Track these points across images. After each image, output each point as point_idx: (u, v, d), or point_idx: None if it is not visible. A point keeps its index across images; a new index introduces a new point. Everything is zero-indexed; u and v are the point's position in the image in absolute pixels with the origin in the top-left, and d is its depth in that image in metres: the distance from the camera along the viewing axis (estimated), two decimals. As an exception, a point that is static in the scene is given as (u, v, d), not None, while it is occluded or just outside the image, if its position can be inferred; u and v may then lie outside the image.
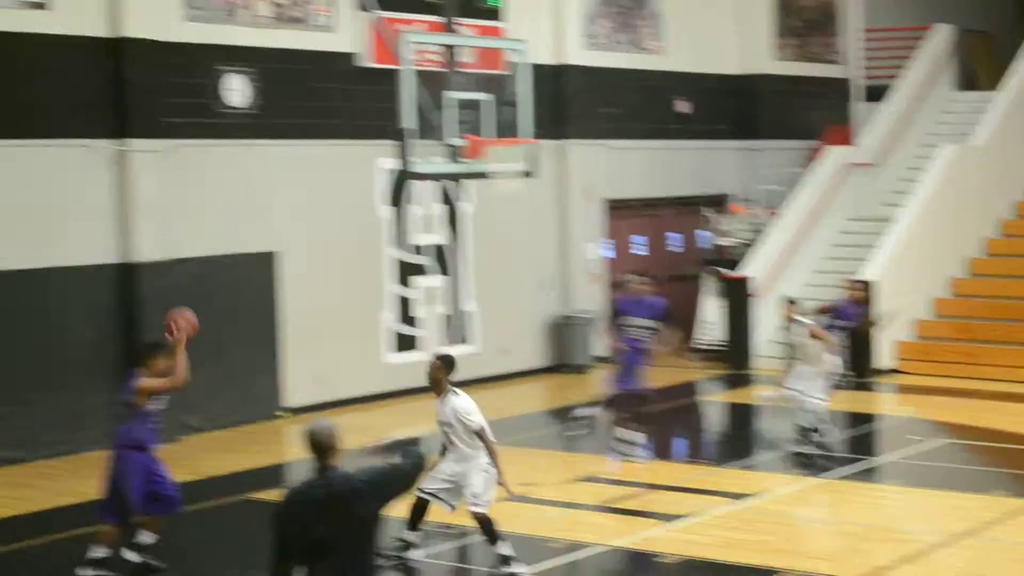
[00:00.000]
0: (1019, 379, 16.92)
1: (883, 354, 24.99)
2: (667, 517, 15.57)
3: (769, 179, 29.38)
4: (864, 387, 24.06)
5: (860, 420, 21.63)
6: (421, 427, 21.32)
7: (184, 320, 13.27)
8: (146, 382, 13.14)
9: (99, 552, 13.37)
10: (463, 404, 13.42)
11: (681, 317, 27.91)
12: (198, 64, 20.61)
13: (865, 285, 21.82)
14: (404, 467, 8.58)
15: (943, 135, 29.47)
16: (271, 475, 17.80)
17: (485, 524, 13.69)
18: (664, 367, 26.16)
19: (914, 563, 14.06)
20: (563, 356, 25.78)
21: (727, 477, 17.77)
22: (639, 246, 28.18)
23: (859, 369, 24.42)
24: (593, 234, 26.62)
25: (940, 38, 31.43)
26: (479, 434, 13.42)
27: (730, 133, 29.77)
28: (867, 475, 18.05)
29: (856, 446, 19.45)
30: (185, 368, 13.18)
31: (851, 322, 21.06)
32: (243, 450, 19.37)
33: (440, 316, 23.87)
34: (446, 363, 13.57)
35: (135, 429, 13.26)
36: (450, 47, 19.38)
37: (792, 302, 19.09)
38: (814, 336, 18.61)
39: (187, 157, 20.28)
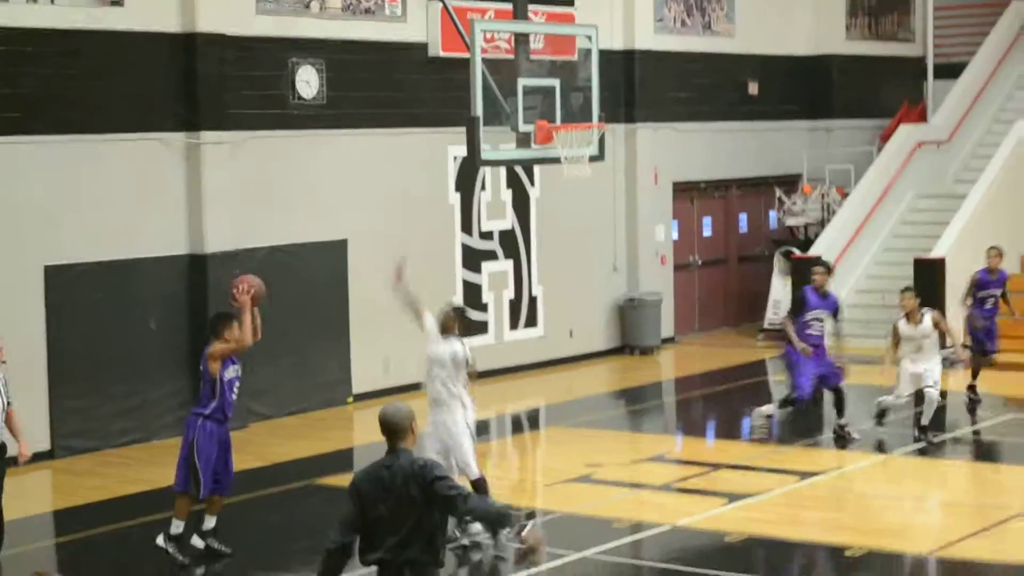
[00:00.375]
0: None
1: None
2: (733, 496, 15.63)
3: (840, 158, 29.30)
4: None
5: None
6: (489, 411, 21.56)
7: (247, 284, 13.62)
8: (215, 346, 13.48)
9: (177, 527, 13.64)
10: (461, 347, 14.19)
11: (750, 297, 28.07)
12: (269, 57, 20.82)
13: (999, 250, 21.07)
14: (460, 491, 8.69)
15: (1016, 111, 29.23)
16: (338, 461, 17.99)
17: (483, 487, 13.99)
18: (733, 347, 26.34)
19: (984, 537, 14.09)
20: (629, 338, 25.87)
21: (794, 455, 17.80)
22: (704, 227, 28.25)
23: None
24: (661, 216, 26.69)
25: (1013, 14, 31.21)
26: (467, 365, 14.20)
27: (801, 113, 29.70)
28: (935, 451, 18.05)
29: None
30: (249, 329, 13.53)
31: (993, 290, 20.53)
32: (311, 436, 19.53)
33: (506, 301, 24.04)
34: (459, 314, 14.50)
35: (212, 400, 13.55)
36: (520, 34, 19.51)
37: (908, 289, 18.29)
38: (936, 325, 17.94)
39: (258, 149, 20.52)
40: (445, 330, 14.30)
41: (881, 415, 18.43)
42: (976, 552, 13.63)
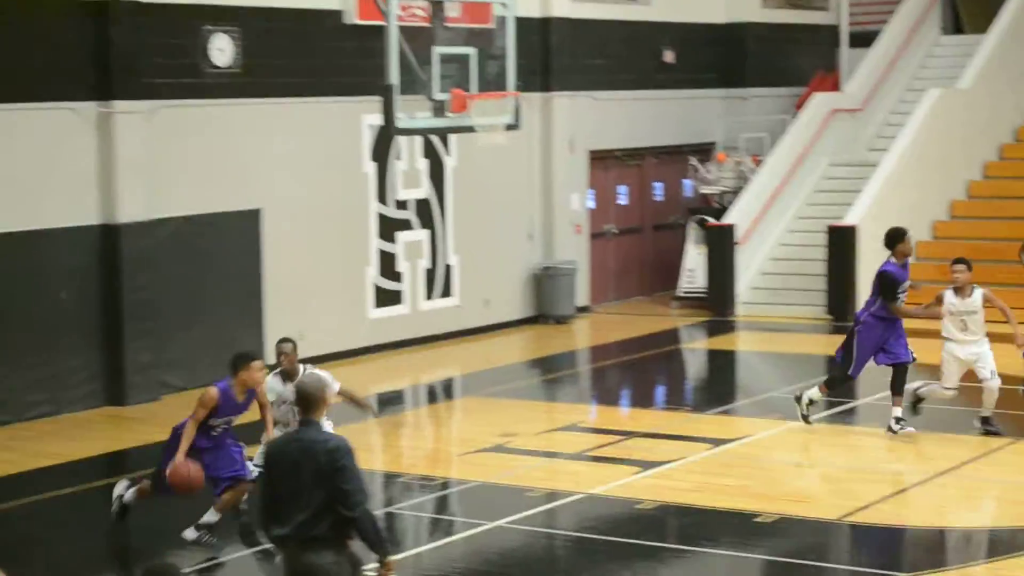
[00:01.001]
0: (1000, 319, 16.97)
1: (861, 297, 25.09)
2: (646, 464, 15.76)
3: (755, 127, 29.45)
4: (841, 330, 24.15)
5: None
6: (403, 381, 21.58)
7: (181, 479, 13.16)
8: (197, 415, 13.22)
9: (211, 516, 13.39)
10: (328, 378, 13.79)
11: (665, 266, 28.20)
12: (183, 24, 20.61)
13: None
14: (358, 498, 8.74)
15: (929, 79, 29.46)
16: (251, 433, 17.84)
17: None
18: (647, 316, 26.47)
19: (891, 503, 14.34)
20: (544, 307, 25.85)
21: (706, 423, 17.95)
22: (620, 196, 28.31)
23: (837, 312, 24.68)
24: (577, 185, 26.75)
25: (927, -19, 31.45)
26: (344, 393, 13.97)
27: (716, 82, 29.81)
28: (847, 417, 18.26)
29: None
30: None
31: None
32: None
33: (421, 270, 23.98)
34: (296, 347, 14.05)
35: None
36: (436, 1, 19.45)
37: (960, 262, 16.83)
38: (988, 302, 16.64)
39: (172, 118, 20.35)
40: (294, 371, 13.95)
41: (916, 402, 17.18)
42: (884, 517, 13.83)
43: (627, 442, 16.94)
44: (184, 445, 13.09)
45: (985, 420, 16.91)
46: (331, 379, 13.55)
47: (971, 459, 15.87)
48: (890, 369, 16.93)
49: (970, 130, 27.72)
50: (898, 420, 16.77)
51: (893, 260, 16.95)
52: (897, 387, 16.85)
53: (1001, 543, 13.40)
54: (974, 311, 16.58)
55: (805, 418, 17.16)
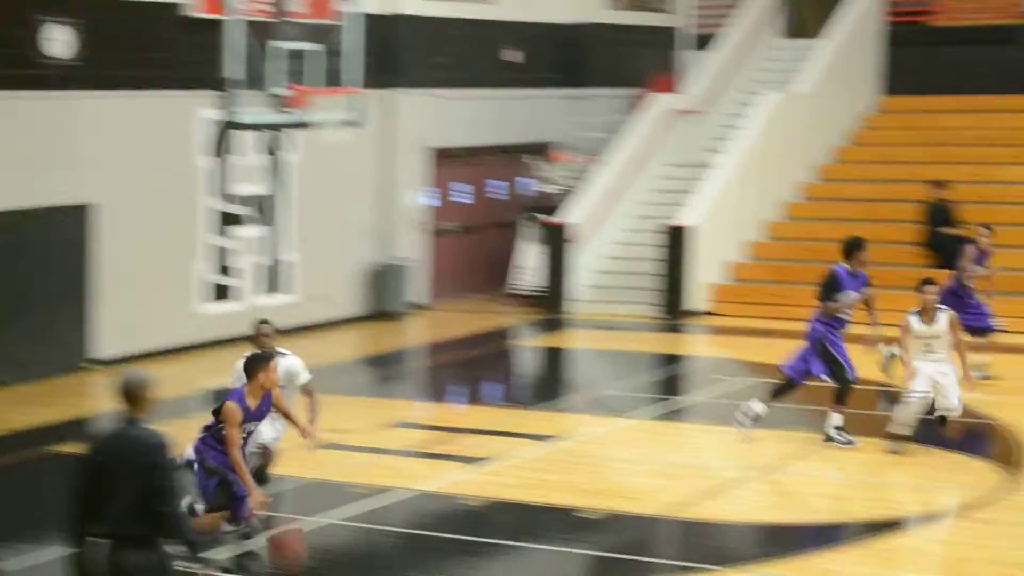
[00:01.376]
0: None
1: (696, 297, 25.57)
2: (475, 460, 15.85)
3: (595, 127, 29.68)
4: (675, 329, 24.61)
5: (669, 361, 22.10)
6: (232, 377, 21.44)
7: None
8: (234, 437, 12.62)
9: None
10: (295, 364, 13.81)
11: (505, 264, 28.34)
12: (16, 13, 20.32)
13: (989, 230, 20.43)
14: (170, 497, 8.77)
15: (767, 83, 29.86)
16: (76, 428, 17.61)
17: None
18: (484, 313, 26.57)
19: (715, 498, 14.54)
20: (380, 304, 25.83)
21: (536, 420, 18.07)
22: (462, 194, 28.41)
23: (670, 310, 25.01)
24: (417, 182, 26.78)
25: (767, -13, 31.90)
26: (306, 390, 13.90)
27: (558, 81, 29.95)
28: (674, 415, 18.49)
29: (664, 387, 19.82)
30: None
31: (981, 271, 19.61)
32: (49, 403, 19.07)
33: (258, 266, 23.86)
34: (275, 329, 13.79)
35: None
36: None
37: (930, 283, 16.35)
38: (952, 326, 16.25)
39: (5, 110, 20.07)
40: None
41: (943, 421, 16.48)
42: (710, 512, 14.09)
43: (457, 438, 17.03)
44: (245, 476, 12.60)
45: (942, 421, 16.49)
46: (302, 368, 13.84)
47: (803, 455, 16.15)
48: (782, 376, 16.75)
49: (806, 133, 28.20)
50: (755, 413, 16.59)
51: (845, 265, 16.52)
52: (776, 394, 16.64)
53: (822, 537, 13.69)
54: (938, 335, 16.18)
55: (849, 443, 16.37)
